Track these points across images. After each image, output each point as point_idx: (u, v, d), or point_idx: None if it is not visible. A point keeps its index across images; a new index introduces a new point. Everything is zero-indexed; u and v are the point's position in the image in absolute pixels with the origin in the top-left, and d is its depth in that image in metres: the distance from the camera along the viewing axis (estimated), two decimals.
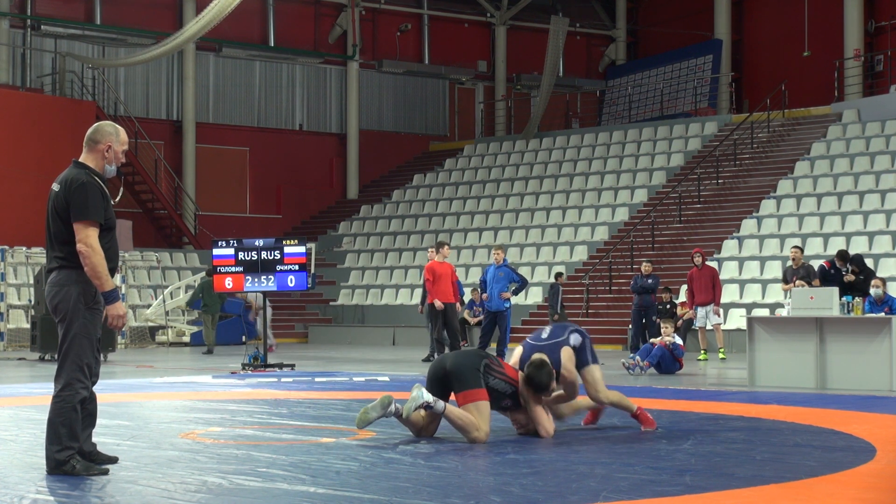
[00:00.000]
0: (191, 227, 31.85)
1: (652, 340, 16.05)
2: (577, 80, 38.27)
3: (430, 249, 18.79)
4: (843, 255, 16.57)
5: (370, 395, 11.89)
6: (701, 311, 18.65)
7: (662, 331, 15.70)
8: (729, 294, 22.40)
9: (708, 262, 19.91)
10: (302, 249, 16.02)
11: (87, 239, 6.24)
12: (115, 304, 6.33)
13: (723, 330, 19.25)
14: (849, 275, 16.06)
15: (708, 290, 18.54)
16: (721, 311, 18.97)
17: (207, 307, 22.14)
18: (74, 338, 6.30)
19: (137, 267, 27.87)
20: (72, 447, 6.28)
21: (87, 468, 6.30)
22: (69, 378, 6.29)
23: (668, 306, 22.17)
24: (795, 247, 17.58)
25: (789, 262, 17.49)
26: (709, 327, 18.84)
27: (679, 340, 15.75)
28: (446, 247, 18.19)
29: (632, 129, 33.06)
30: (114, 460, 6.69)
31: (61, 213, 6.34)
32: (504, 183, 32.14)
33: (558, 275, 23.37)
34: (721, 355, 18.49)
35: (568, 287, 26.09)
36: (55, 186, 6.44)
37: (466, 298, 24.06)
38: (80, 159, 6.50)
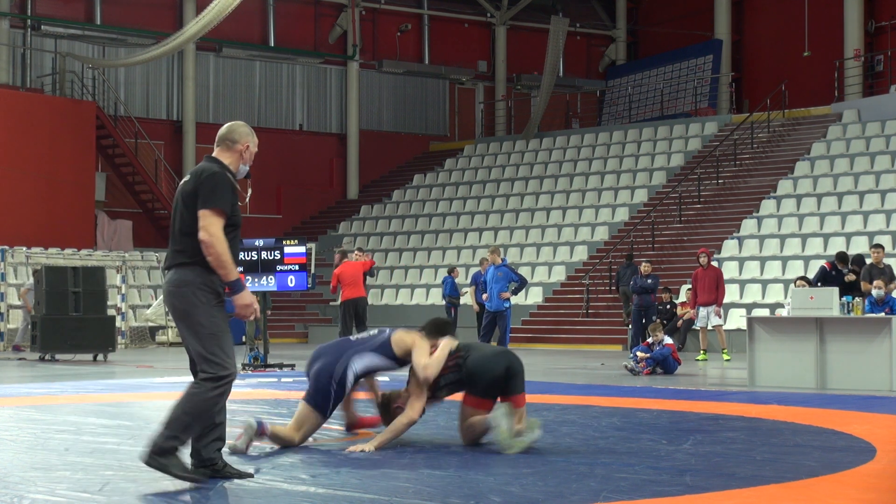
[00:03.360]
0: None
1: (647, 341, 16.01)
2: (577, 80, 38.27)
3: (355, 252, 18.86)
4: (842, 256, 16.53)
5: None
6: (703, 312, 18.61)
7: (652, 337, 15.56)
8: (729, 294, 22.31)
9: (713, 263, 19.81)
10: (302, 249, 16.04)
11: (210, 227, 6.00)
12: (241, 293, 6.06)
13: (724, 330, 19.21)
14: (849, 275, 16.03)
15: (711, 290, 18.48)
16: (721, 311, 18.89)
17: None
18: (207, 337, 6.01)
19: (137, 267, 27.85)
20: (181, 440, 6.00)
21: (182, 468, 6.01)
22: (210, 373, 5.99)
23: (668, 306, 22.18)
24: (879, 245, 16.07)
25: (868, 261, 15.98)
26: (709, 328, 18.83)
27: (668, 340, 15.72)
28: (336, 254, 18.31)
29: (632, 129, 33.05)
30: (245, 475, 6.33)
31: (188, 201, 6.15)
32: (504, 183, 32.13)
33: (630, 256, 23.38)
34: (725, 356, 18.46)
35: (568, 287, 26.12)
36: (186, 177, 6.34)
37: (468, 299, 24.01)
38: (214, 155, 6.41)
